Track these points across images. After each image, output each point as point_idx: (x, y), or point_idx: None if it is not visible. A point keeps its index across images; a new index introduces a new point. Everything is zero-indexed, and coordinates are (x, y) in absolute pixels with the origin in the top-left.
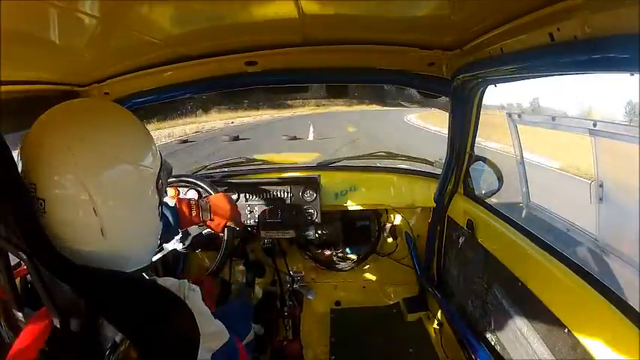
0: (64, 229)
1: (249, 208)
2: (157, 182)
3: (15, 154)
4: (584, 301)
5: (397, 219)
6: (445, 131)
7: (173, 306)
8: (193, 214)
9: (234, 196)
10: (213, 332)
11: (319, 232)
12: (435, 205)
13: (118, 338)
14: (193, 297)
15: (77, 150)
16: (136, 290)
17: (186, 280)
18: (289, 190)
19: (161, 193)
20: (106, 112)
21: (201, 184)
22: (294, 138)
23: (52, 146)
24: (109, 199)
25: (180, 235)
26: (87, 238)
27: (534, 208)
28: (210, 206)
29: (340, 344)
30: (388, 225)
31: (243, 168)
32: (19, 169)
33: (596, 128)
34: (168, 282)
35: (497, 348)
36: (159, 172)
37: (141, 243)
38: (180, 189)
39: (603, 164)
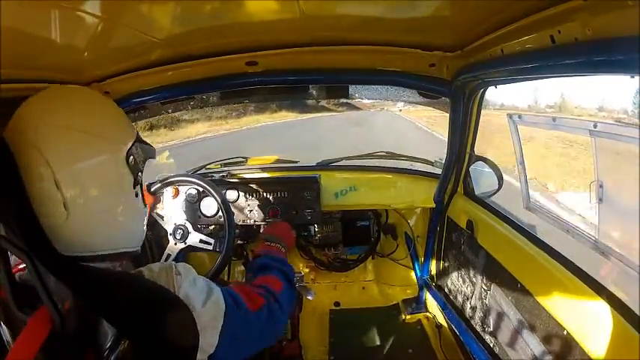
0: (33, 204)
1: (249, 207)
2: (127, 158)
3: None
4: (583, 303)
5: (397, 219)
6: None
7: (172, 308)
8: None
9: (234, 196)
10: (208, 310)
11: (319, 232)
12: (434, 205)
13: (116, 337)
14: (181, 281)
15: (39, 124)
16: (135, 290)
17: (173, 263)
18: (289, 190)
19: (134, 170)
20: (75, 92)
21: (201, 184)
22: None
23: (20, 122)
24: (69, 171)
25: (180, 234)
26: (51, 212)
27: (534, 208)
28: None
29: (339, 345)
30: (388, 225)
31: (243, 167)
32: None
33: (596, 129)
34: (154, 268)
35: (496, 349)
36: (129, 149)
37: (112, 222)
38: (179, 188)
39: (603, 165)
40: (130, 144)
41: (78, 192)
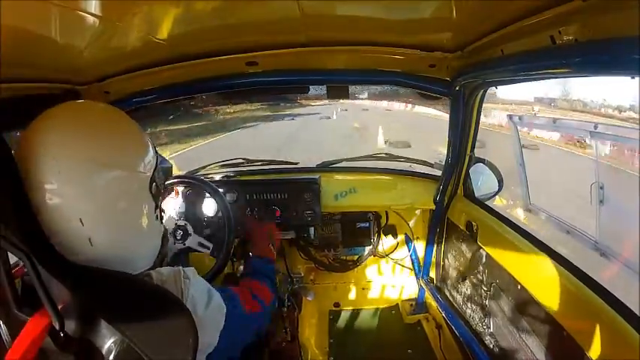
0: (52, 238)
1: (249, 208)
2: (151, 186)
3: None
4: (583, 304)
5: (397, 220)
6: None
7: (172, 309)
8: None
9: (234, 197)
10: (212, 312)
11: (319, 233)
12: (434, 206)
13: (116, 338)
14: (189, 286)
15: (60, 157)
16: (135, 291)
17: (180, 268)
18: (289, 192)
19: (156, 196)
20: (93, 115)
21: (201, 185)
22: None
23: (37, 154)
24: (96, 207)
25: (180, 235)
26: (75, 248)
27: (534, 209)
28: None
29: (339, 346)
30: (388, 226)
31: (243, 169)
32: None
33: (597, 130)
34: (163, 271)
35: (496, 350)
36: (152, 175)
37: (136, 248)
38: (179, 189)
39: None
40: (152, 171)
41: (103, 226)
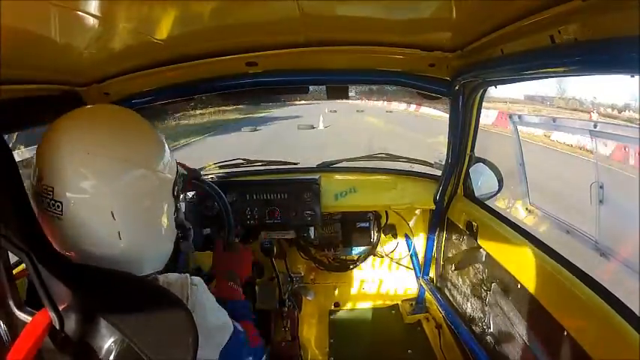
0: (81, 231)
1: (249, 208)
2: (173, 189)
3: (15, 154)
4: (583, 304)
5: (397, 220)
6: None
7: (172, 309)
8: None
9: (234, 197)
10: (218, 326)
11: (319, 233)
12: (434, 206)
13: (116, 338)
14: (195, 292)
15: (97, 154)
16: (136, 291)
17: (188, 275)
18: (289, 191)
19: (177, 199)
20: (124, 118)
21: (201, 186)
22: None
23: (72, 150)
24: (128, 203)
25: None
26: (104, 242)
27: (534, 209)
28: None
29: (339, 345)
30: (388, 226)
31: (243, 169)
32: (35, 172)
33: (596, 129)
34: (171, 277)
35: (496, 350)
36: (175, 179)
37: (156, 247)
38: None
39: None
40: (175, 174)
41: (132, 221)
